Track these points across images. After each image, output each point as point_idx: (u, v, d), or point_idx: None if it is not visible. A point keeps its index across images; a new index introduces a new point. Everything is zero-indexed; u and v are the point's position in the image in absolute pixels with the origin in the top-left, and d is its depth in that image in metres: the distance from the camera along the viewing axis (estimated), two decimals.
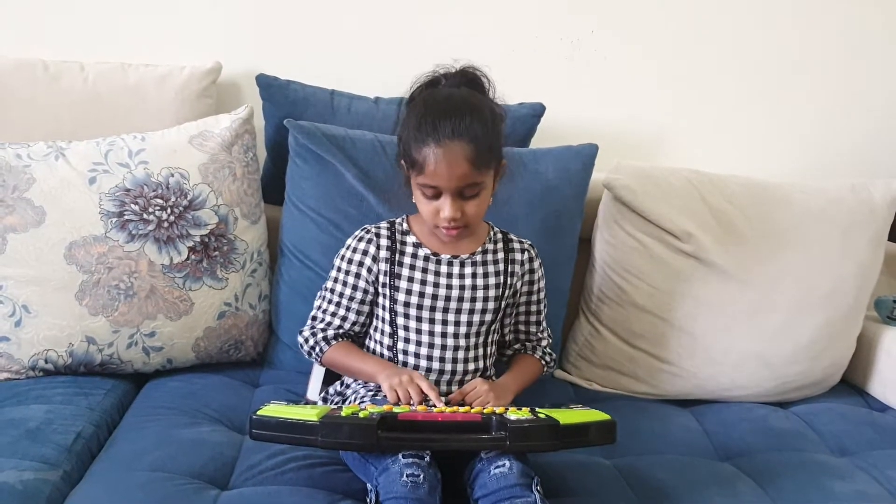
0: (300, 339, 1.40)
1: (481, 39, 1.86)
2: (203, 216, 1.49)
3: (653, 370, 1.68)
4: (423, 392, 1.22)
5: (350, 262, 1.37)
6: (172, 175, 1.48)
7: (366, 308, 1.38)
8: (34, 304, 1.42)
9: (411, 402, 1.20)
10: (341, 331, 1.38)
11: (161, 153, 1.49)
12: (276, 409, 1.14)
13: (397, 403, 1.21)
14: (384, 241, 1.36)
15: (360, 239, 1.38)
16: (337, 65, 1.83)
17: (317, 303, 1.41)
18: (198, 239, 1.49)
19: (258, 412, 1.12)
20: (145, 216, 1.45)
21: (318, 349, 1.37)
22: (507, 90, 1.37)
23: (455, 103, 1.26)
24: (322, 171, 1.58)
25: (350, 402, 1.34)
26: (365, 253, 1.36)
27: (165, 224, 1.46)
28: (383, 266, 1.35)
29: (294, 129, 1.58)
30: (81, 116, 1.64)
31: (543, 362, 1.44)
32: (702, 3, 1.92)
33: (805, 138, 2.03)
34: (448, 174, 1.23)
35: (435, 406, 1.19)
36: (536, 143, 1.79)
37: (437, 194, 1.26)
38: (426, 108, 1.26)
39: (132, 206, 1.45)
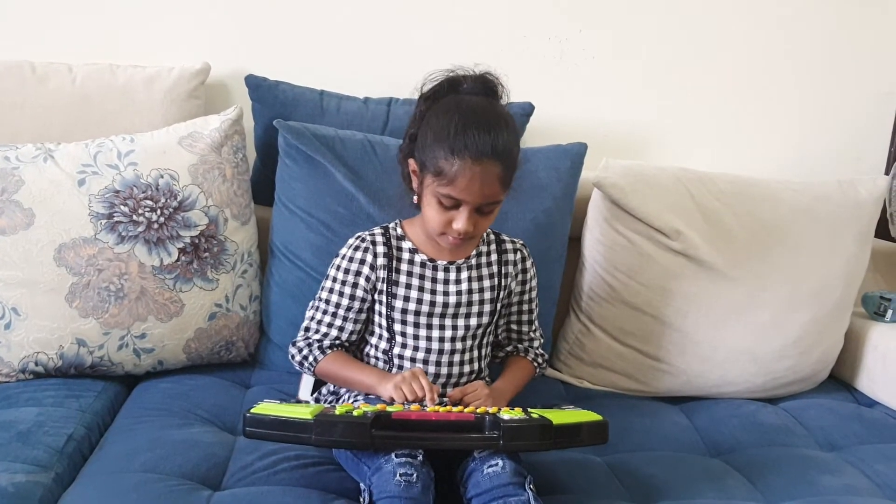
0: (292, 351, 1.36)
1: (470, 39, 1.86)
2: (193, 217, 1.49)
3: (643, 367, 1.69)
4: (423, 386, 1.20)
5: (347, 271, 1.34)
6: (162, 176, 1.47)
7: (362, 317, 1.35)
8: (24, 307, 1.41)
9: (418, 399, 1.19)
10: (337, 341, 1.35)
11: (150, 154, 1.48)
12: (270, 408, 1.14)
13: (405, 401, 1.19)
14: (381, 249, 1.33)
15: (356, 248, 1.34)
16: (326, 65, 1.83)
17: (309, 313, 1.37)
18: (188, 240, 1.49)
19: (252, 410, 1.12)
20: (135, 218, 1.45)
21: (311, 359, 1.33)
22: None
23: (493, 118, 1.21)
24: (312, 172, 1.58)
25: (344, 400, 1.34)
26: (362, 262, 1.33)
27: (155, 225, 1.46)
28: (381, 273, 1.32)
29: (283, 129, 1.58)
30: (70, 118, 1.63)
31: (535, 364, 1.44)
32: (689, 3, 1.93)
33: (792, 136, 2.05)
34: (479, 192, 1.20)
35: (427, 406, 1.19)
36: (526, 142, 1.79)
37: (455, 205, 1.23)
38: (462, 117, 1.20)
39: (122, 207, 1.44)
